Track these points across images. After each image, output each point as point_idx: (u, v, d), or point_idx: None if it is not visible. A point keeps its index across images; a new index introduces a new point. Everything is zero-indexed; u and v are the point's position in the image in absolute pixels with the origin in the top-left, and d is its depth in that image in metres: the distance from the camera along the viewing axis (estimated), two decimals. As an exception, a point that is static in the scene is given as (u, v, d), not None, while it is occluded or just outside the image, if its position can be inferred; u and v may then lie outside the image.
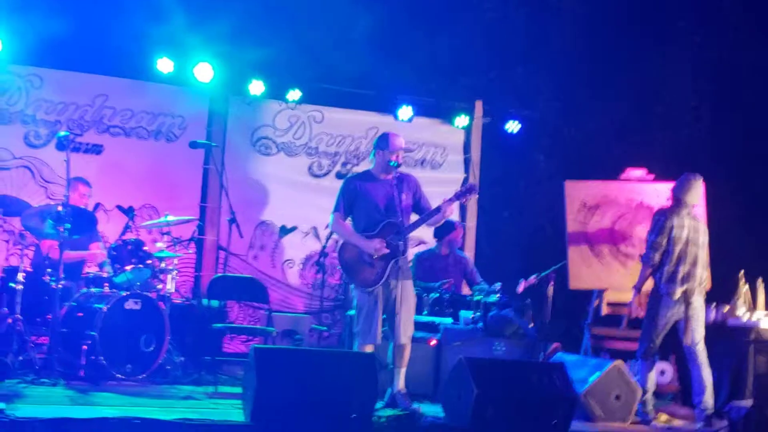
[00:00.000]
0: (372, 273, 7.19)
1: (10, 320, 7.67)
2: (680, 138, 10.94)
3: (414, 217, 7.46)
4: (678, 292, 7.57)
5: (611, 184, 9.28)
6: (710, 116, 10.88)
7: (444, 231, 9.43)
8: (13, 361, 7.40)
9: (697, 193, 7.82)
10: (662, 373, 8.67)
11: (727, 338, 8.03)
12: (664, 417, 7.79)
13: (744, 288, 8.27)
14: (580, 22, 11.08)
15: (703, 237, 7.78)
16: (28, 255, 8.06)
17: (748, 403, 7.45)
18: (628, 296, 8.83)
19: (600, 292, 8.97)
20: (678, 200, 7.76)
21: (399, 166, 7.32)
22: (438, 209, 7.27)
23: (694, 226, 7.74)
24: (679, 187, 7.80)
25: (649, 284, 7.80)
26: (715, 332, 8.04)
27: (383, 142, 7.40)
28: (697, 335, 7.58)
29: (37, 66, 9.50)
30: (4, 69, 9.37)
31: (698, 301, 7.64)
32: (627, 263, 8.98)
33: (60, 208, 7.70)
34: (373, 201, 7.28)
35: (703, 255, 7.73)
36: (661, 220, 7.69)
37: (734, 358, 7.87)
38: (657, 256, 7.65)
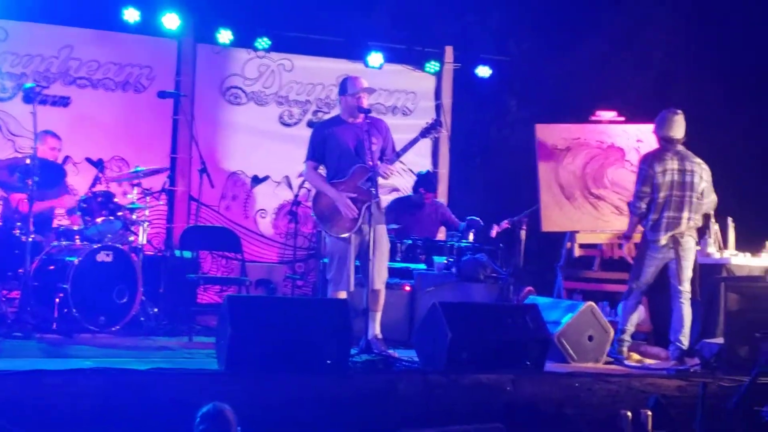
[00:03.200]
0: (346, 220, 7.18)
1: (-20, 275, 7.63)
2: (652, 78, 10.91)
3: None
4: (663, 239, 7.53)
5: (582, 127, 9.28)
6: (684, 54, 10.81)
7: (433, 184, 9.49)
8: (-15, 315, 7.36)
9: (680, 128, 7.63)
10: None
11: (697, 277, 8.05)
12: (635, 356, 7.85)
13: (715, 227, 8.30)
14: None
15: (696, 178, 7.58)
16: (-3, 209, 8.00)
17: (719, 340, 7.50)
18: (599, 237, 8.93)
19: (572, 234, 8.99)
20: (663, 140, 7.62)
21: (369, 112, 7.29)
22: (404, 149, 7.26)
23: (680, 168, 7.56)
24: (660, 126, 7.65)
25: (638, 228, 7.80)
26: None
27: (344, 86, 7.39)
28: (685, 275, 7.56)
29: (1, 18, 9.35)
30: (-32, 23, 9.24)
31: (688, 243, 7.56)
32: (598, 205, 9.00)
33: (28, 161, 7.62)
34: (344, 145, 7.25)
35: (694, 197, 7.56)
36: (644, 168, 7.59)
37: (705, 297, 7.91)
38: (643, 205, 7.60)
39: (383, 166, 7.19)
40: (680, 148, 7.64)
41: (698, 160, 7.67)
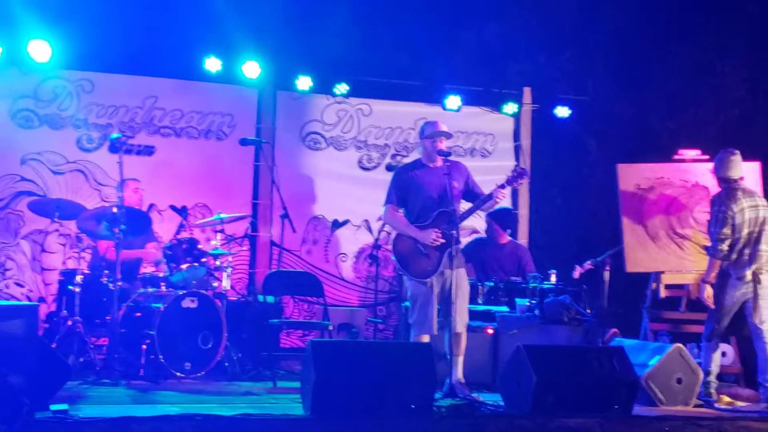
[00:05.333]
0: (428, 263, 7.17)
1: (70, 322, 7.79)
2: (735, 115, 10.74)
3: (465, 205, 7.45)
4: (748, 274, 7.49)
5: (665, 166, 9.15)
6: (765, 92, 10.64)
7: (507, 221, 9.43)
8: (74, 362, 7.49)
9: (739, 168, 7.66)
10: (723, 354, 8.55)
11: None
12: (726, 399, 7.67)
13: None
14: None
15: (762, 211, 7.61)
16: (85, 257, 8.18)
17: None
18: (686, 278, 8.76)
19: (657, 275, 8.85)
20: (724, 181, 7.65)
21: (449, 155, 7.31)
22: (490, 195, 7.26)
23: (751, 204, 7.60)
24: (719, 167, 7.70)
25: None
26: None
27: (422, 130, 7.50)
28: (765, 313, 7.46)
29: (87, 70, 9.60)
30: (55, 75, 9.47)
31: (767, 279, 7.52)
32: (684, 245, 8.85)
33: (115, 210, 7.78)
34: (427, 190, 7.27)
35: (765, 230, 7.57)
36: (722, 210, 7.56)
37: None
38: (725, 247, 7.53)
39: (498, 189, 7.18)
40: (743, 184, 7.68)
41: (759, 194, 7.79)
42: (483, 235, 9.84)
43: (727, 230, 7.52)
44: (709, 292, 7.68)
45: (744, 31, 10.85)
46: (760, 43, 10.71)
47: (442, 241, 7.12)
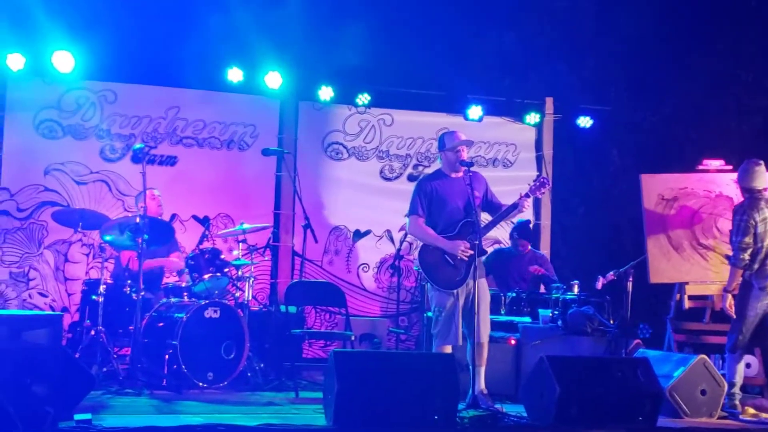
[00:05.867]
0: (455, 274, 7.15)
1: (93, 332, 7.79)
2: (758, 123, 10.68)
3: (486, 216, 7.45)
4: None
5: (689, 176, 9.12)
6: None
7: (529, 232, 9.42)
8: (98, 372, 7.49)
9: (763, 178, 7.65)
10: (748, 366, 8.49)
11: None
12: (751, 411, 7.61)
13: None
14: (646, 8, 10.88)
15: None
16: (108, 267, 8.19)
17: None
18: (710, 289, 8.70)
19: (681, 286, 8.81)
20: (748, 191, 7.63)
21: (472, 165, 7.30)
22: (515, 205, 7.23)
23: None
24: (743, 177, 7.69)
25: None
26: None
27: (442, 142, 7.48)
28: None
29: (110, 81, 9.66)
30: (79, 85, 9.54)
31: None
32: (708, 255, 8.80)
33: (138, 220, 7.81)
34: (451, 201, 7.25)
35: None
36: (744, 219, 7.54)
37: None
38: (746, 256, 7.51)
39: (522, 199, 7.18)
40: (767, 195, 7.65)
41: None
42: (504, 245, 9.83)
43: (748, 239, 7.49)
44: (731, 301, 7.65)
45: (765, 38, 10.79)
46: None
47: (471, 252, 7.11)
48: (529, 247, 9.60)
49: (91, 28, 9.13)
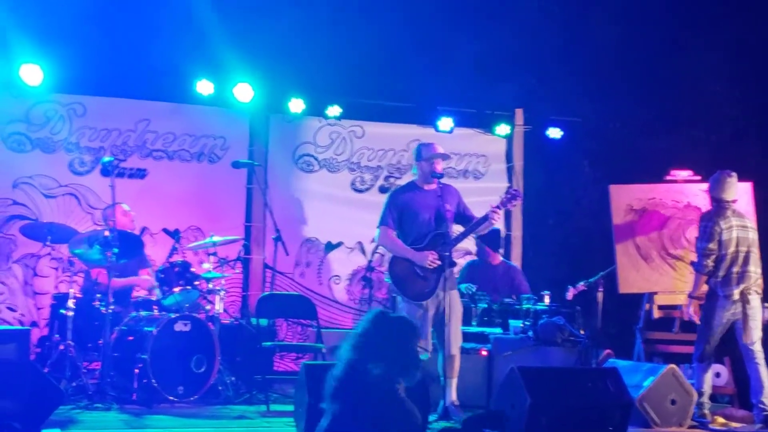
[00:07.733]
0: (425, 285, 7.17)
1: (62, 347, 7.74)
2: (727, 135, 10.77)
3: (458, 228, 7.46)
4: (736, 293, 7.52)
5: (657, 187, 9.18)
6: (757, 110, 10.66)
7: (497, 242, 9.43)
8: (67, 387, 7.45)
9: (733, 190, 7.72)
10: (717, 375, 8.56)
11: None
12: (720, 420, 7.67)
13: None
14: (616, 19, 10.95)
15: (752, 234, 7.69)
16: (77, 281, 8.14)
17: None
18: (679, 299, 8.76)
19: (650, 296, 8.87)
20: (717, 201, 7.70)
21: (442, 177, 7.32)
22: (485, 217, 7.26)
23: (741, 224, 7.65)
24: (715, 187, 7.75)
25: (702, 287, 7.72)
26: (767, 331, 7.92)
27: (419, 152, 7.50)
28: (755, 334, 7.49)
29: (79, 94, 9.60)
30: (47, 98, 9.48)
31: (755, 300, 7.55)
32: (677, 265, 8.87)
33: (107, 233, 7.76)
34: (422, 213, 7.27)
35: (755, 252, 7.64)
36: (709, 225, 7.62)
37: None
38: (710, 263, 7.58)
39: (493, 211, 7.17)
40: (735, 206, 7.73)
41: (750, 218, 7.87)
42: (476, 257, 9.84)
43: (713, 245, 7.56)
44: (695, 307, 7.71)
45: (733, 50, 10.89)
46: (749, 63, 10.75)
47: (439, 263, 7.12)
48: (500, 258, 9.60)
49: (60, 40, 9.07)
